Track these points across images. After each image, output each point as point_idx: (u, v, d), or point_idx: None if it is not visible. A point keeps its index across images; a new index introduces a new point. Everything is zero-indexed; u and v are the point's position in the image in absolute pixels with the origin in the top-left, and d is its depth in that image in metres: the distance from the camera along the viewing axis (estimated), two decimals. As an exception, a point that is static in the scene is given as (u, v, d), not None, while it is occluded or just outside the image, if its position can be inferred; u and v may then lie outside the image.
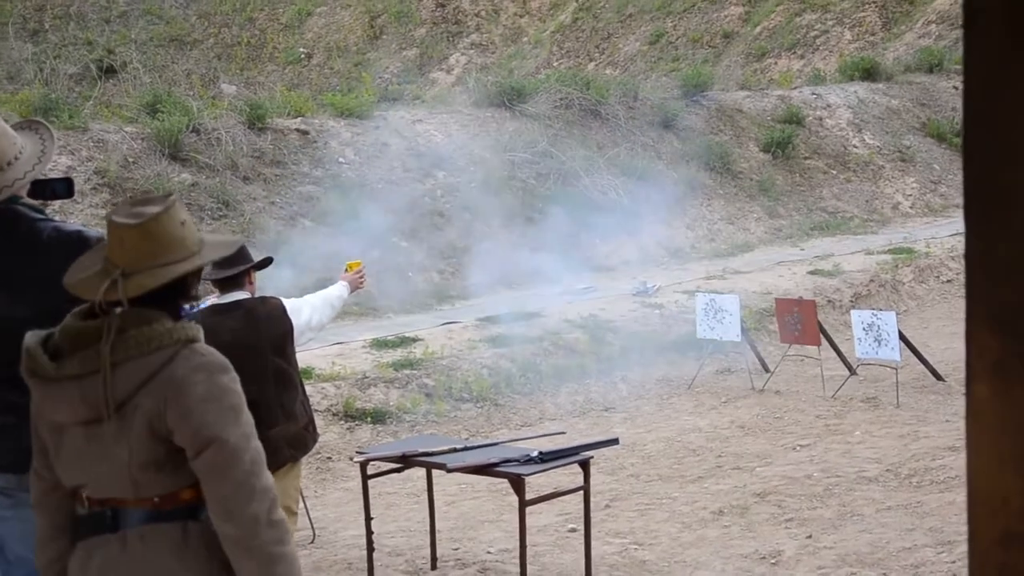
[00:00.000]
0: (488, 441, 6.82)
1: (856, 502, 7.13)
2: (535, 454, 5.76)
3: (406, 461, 6.12)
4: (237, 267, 5.35)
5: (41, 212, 3.66)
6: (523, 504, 5.66)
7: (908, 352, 10.28)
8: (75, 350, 2.54)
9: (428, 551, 6.59)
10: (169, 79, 31.83)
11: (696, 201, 17.05)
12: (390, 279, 13.13)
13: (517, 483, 5.65)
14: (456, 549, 6.93)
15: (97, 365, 2.50)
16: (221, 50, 37.30)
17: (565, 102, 17.51)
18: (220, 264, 5.36)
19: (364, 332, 11.63)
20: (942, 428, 8.69)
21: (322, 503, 8.04)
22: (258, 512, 2.51)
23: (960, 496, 6.89)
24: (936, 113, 21.97)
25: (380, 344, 11.08)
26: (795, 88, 22.48)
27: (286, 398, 5.39)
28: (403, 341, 11.16)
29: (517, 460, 5.77)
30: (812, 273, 14.58)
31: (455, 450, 6.05)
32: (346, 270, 6.04)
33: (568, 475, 7.09)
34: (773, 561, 6.25)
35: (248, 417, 2.61)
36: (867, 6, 30.57)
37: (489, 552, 6.85)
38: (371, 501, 6.44)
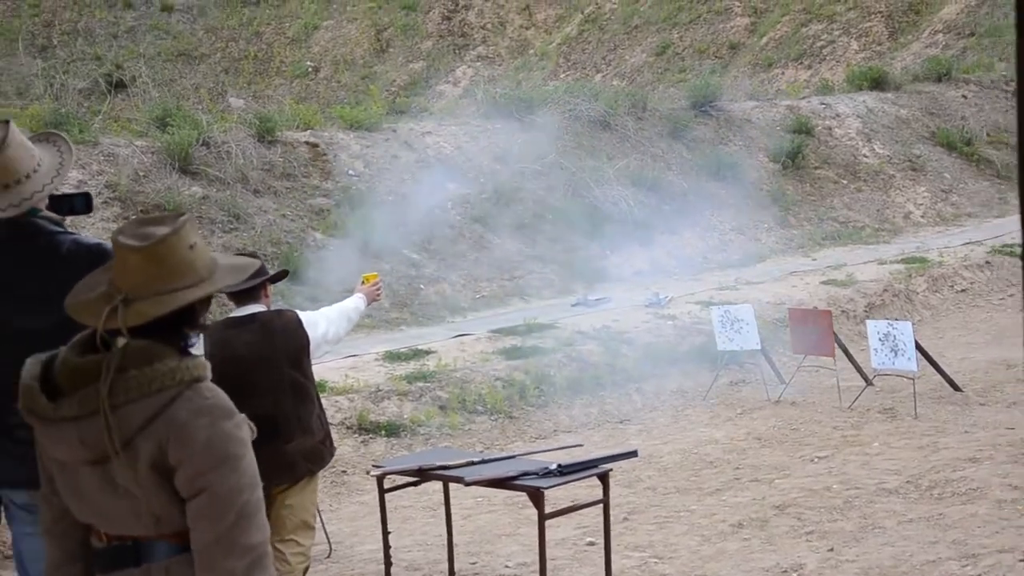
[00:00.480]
0: (505, 454, 6.75)
1: (877, 514, 7.04)
2: (554, 467, 5.69)
3: (423, 475, 6.06)
4: (253, 280, 5.30)
5: (60, 225, 3.63)
6: (543, 518, 5.59)
7: (924, 362, 10.20)
8: (73, 388, 2.40)
9: (446, 565, 6.52)
10: (177, 93, 31.89)
11: (706, 212, 17.00)
12: (401, 291, 13.09)
13: (536, 496, 5.58)
14: (474, 563, 6.87)
15: (96, 406, 2.36)
16: (228, 64, 37.38)
17: (574, 113, 17.49)
18: (236, 276, 5.32)
19: (377, 345, 11.58)
20: (961, 439, 8.61)
21: (337, 517, 7.98)
22: (234, 569, 2.39)
23: (983, 508, 6.81)
24: (945, 122, 21.90)
25: (393, 357, 11.03)
26: (803, 98, 22.45)
27: (303, 412, 5.34)
28: (416, 353, 11.10)
29: (536, 473, 5.70)
30: (825, 283, 14.51)
31: (472, 463, 5.98)
32: (362, 282, 5.99)
33: (585, 488, 7.01)
34: (795, 575, 6.17)
35: (249, 465, 2.47)
36: (873, 16, 30.55)
37: (507, 566, 6.79)
38: (388, 515, 6.39)
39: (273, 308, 5.48)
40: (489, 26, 38.80)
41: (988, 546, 6.15)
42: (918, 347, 9.94)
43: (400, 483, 6.44)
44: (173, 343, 2.47)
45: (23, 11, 36.79)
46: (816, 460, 8.57)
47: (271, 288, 5.53)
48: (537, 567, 5.72)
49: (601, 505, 5.87)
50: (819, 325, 10.52)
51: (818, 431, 9.39)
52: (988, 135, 21.79)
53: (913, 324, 10.65)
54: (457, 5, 38.60)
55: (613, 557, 6.08)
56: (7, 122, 3.50)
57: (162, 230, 2.42)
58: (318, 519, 7.08)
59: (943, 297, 14.83)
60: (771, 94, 24.41)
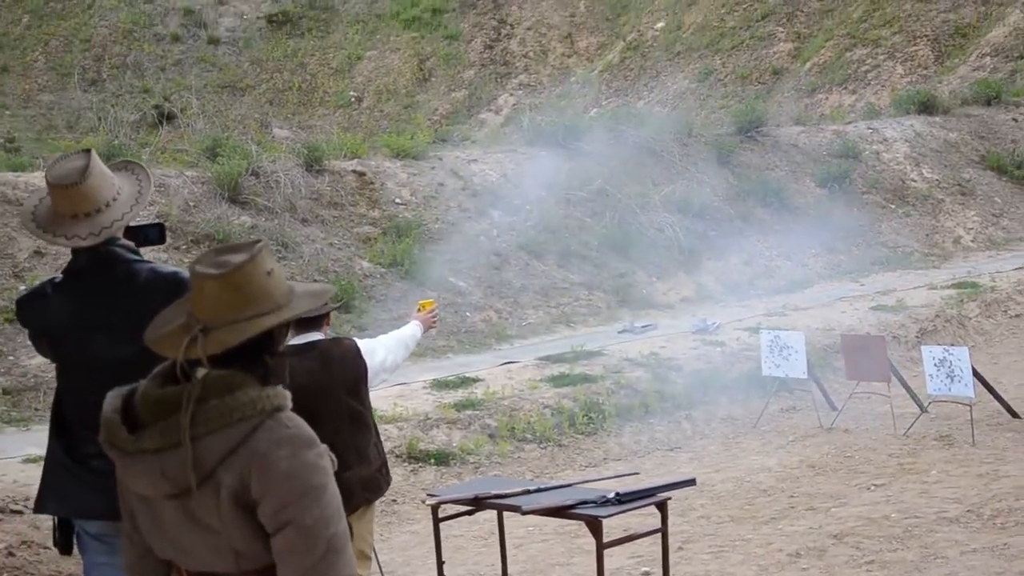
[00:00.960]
0: (561, 482, 6.70)
1: (938, 544, 6.90)
2: (612, 495, 5.62)
3: (479, 503, 6.01)
4: (317, 309, 5.31)
5: (137, 253, 3.65)
6: (601, 547, 5.53)
7: (980, 388, 10.03)
8: (154, 420, 2.37)
9: (500, 595, 6.46)
10: (224, 124, 32.26)
11: (753, 237, 16.90)
12: (448, 319, 13.09)
13: (594, 525, 5.51)
14: (527, 593, 6.81)
15: (177, 438, 2.33)
16: (273, 95, 37.77)
17: (619, 140, 17.47)
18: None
19: (424, 373, 11.58)
20: (1022, 467, 8.44)
21: (389, 547, 7.94)
22: None
23: (1049, 537, 6.66)
24: (995, 146, 21.66)
25: (441, 385, 11.02)
26: (850, 123, 22.30)
27: (360, 440, 5.31)
28: (463, 381, 11.09)
29: (594, 502, 5.63)
30: (875, 309, 14.36)
31: (529, 492, 5.93)
32: (418, 310, 5.96)
33: (639, 517, 6.94)
34: (857, 605, 6.06)
35: (333, 497, 2.43)
36: (919, 40, 30.33)
37: (562, 596, 6.72)
38: (441, 544, 6.34)
39: (330, 336, 5.48)
40: (531, 54, 38.94)
41: (1055, 577, 6.02)
42: (974, 373, 9.78)
43: (453, 512, 6.39)
44: (254, 372, 2.44)
45: (74, 46, 37.41)
46: (873, 488, 8.43)
47: (331, 317, 5.53)
48: (592, 597, 5.65)
49: (659, 535, 5.80)
50: (873, 351, 10.40)
51: (873, 459, 9.25)
52: (1039, 158, 21.55)
53: (969, 349, 10.49)
54: (499, 34, 38.79)
55: (670, 587, 5.99)
56: (88, 151, 3.54)
57: (239, 258, 2.40)
58: (373, 549, 7.07)
59: (996, 322, 14.62)
60: (815, 119, 24.27)
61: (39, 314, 3.59)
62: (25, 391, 10.07)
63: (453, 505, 6.28)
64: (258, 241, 2.50)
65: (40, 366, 9.92)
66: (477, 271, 14.22)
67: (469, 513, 6.42)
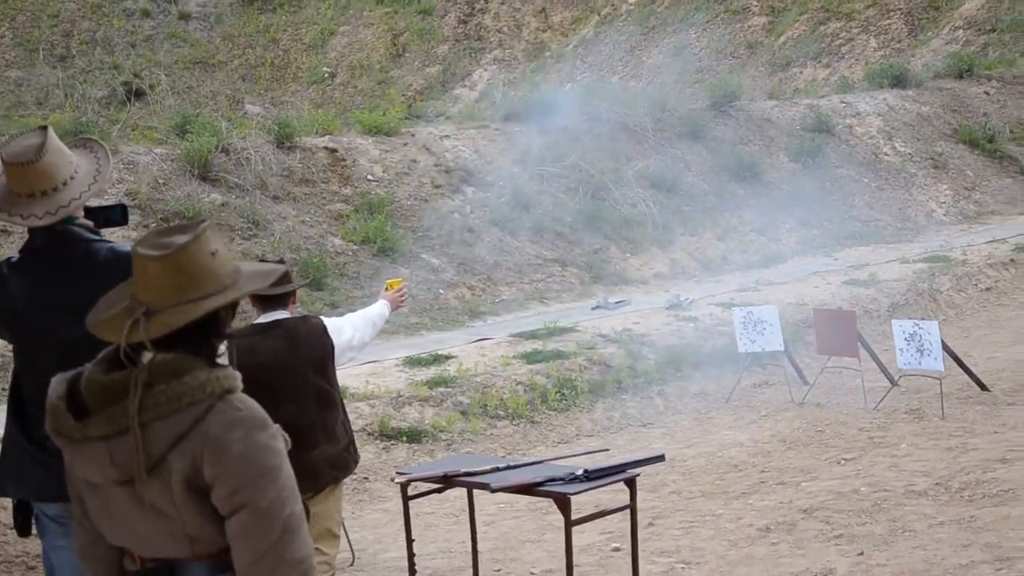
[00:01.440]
0: (530, 459, 6.68)
1: (907, 517, 6.94)
2: (581, 472, 5.61)
3: (448, 481, 5.99)
4: (281, 287, 5.27)
5: (96, 233, 3.60)
6: (569, 524, 5.51)
7: (950, 362, 10.09)
8: (101, 407, 2.33)
9: (470, 572, 6.45)
10: (195, 101, 31.98)
11: (727, 212, 16.90)
12: (421, 296, 13.05)
13: (563, 503, 5.50)
14: (498, 570, 6.81)
15: (125, 424, 2.28)
16: (245, 71, 37.44)
17: (593, 115, 17.41)
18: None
19: (397, 350, 11.55)
20: (991, 440, 8.50)
21: (360, 524, 7.93)
22: None
23: (1016, 510, 6.71)
24: (968, 119, 21.74)
25: (413, 362, 10.99)
26: (823, 96, 22.32)
27: (327, 419, 5.29)
28: (436, 358, 11.07)
29: (562, 479, 5.61)
30: (847, 283, 14.40)
31: (498, 469, 5.91)
32: (386, 288, 5.93)
33: (610, 493, 6.93)
34: (825, 579, 6.09)
35: (288, 478, 2.39)
36: (892, 13, 30.37)
37: (532, 573, 6.73)
38: (411, 522, 6.32)
39: (297, 314, 5.44)
40: (505, 29, 38.76)
41: (1023, 549, 6.06)
42: (944, 347, 9.83)
43: (424, 490, 6.38)
44: (201, 354, 2.40)
45: (42, 21, 36.97)
46: (843, 462, 8.47)
47: (298, 295, 5.49)
48: (563, 574, 5.65)
49: (628, 511, 5.80)
50: (843, 325, 10.43)
51: (844, 433, 9.29)
52: (1011, 131, 21.63)
53: (939, 323, 10.54)
54: (473, 9, 38.58)
55: (640, 563, 6.01)
56: (45, 128, 3.48)
57: (182, 238, 2.36)
58: (342, 527, 7.05)
59: (968, 296, 14.70)
60: (789, 93, 24.28)
61: None
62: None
63: (424, 483, 6.27)
64: (203, 221, 2.45)
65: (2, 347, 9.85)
66: (450, 248, 14.17)
67: (439, 491, 6.41)
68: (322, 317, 5.49)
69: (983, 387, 10.17)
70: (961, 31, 28.06)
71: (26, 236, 3.56)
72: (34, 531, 3.71)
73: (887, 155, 20.23)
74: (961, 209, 19.39)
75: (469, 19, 38.39)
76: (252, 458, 2.32)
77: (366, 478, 8.83)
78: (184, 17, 37.89)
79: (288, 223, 13.37)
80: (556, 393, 10.46)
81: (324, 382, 5.29)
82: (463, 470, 5.96)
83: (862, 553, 6.39)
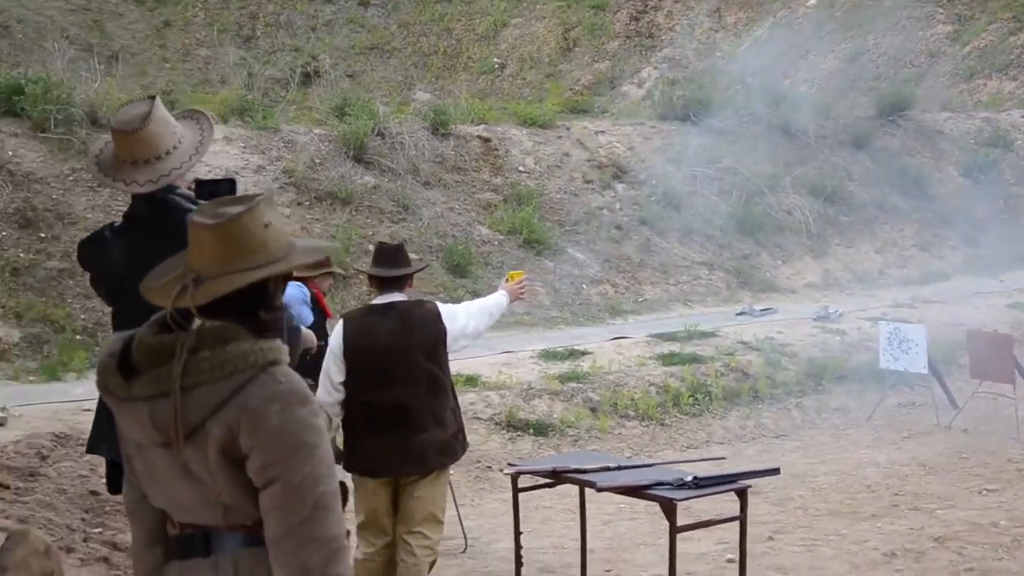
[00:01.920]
0: (643, 462, 6.57)
1: (1047, 557, 6.55)
2: (690, 479, 5.47)
3: (557, 477, 5.93)
4: (401, 268, 5.30)
5: (195, 203, 3.66)
6: (674, 530, 5.38)
7: (1115, 397, 9.48)
8: (147, 368, 2.34)
9: (578, 571, 6.38)
10: (366, 85, 32.69)
11: (887, 225, 16.32)
12: (563, 290, 13.01)
13: (668, 508, 5.37)
14: (608, 571, 6.71)
15: (168, 387, 2.29)
16: (418, 59, 38.06)
17: (753, 118, 17.04)
18: (383, 264, 5.33)
19: (534, 342, 11.55)
20: None
21: (478, 513, 7.94)
22: (309, 563, 2.29)
23: None
24: None
25: (549, 355, 10.96)
26: (1004, 111, 21.27)
27: (436, 404, 5.28)
28: (572, 353, 11.01)
29: (670, 484, 5.48)
30: (1012, 307, 13.71)
31: (608, 469, 5.81)
32: (507, 280, 5.90)
33: (729, 502, 6.77)
34: (946, 613, 5.79)
35: (325, 454, 2.35)
36: (1091, 26, 28.74)
37: (642, 576, 6.61)
38: (528, 515, 6.30)
39: (414, 299, 5.46)
40: (677, 28, 38.31)
41: None
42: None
43: (535, 483, 6.33)
44: (249, 325, 2.38)
45: (232, 3, 38.39)
46: (985, 493, 8.06)
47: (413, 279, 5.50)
48: (670, 580, 5.51)
49: (738, 522, 5.62)
50: (999, 350, 9.92)
51: (990, 462, 8.84)
52: None
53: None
54: (646, 6, 38.25)
55: (752, 577, 5.83)
56: (153, 98, 3.56)
57: (236, 209, 2.36)
58: (455, 513, 7.07)
59: None
60: (969, 106, 23.23)
61: (96, 257, 3.64)
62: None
63: (535, 477, 6.22)
64: (259, 194, 2.45)
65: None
66: (597, 244, 14.08)
67: (550, 486, 6.35)
68: (437, 303, 5.49)
69: None
70: None
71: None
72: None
73: (1070, 175, 19.17)
74: None
75: (641, 16, 38.09)
76: (288, 432, 2.30)
77: (489, 467, 8.84)
78: (363, 3, 38.78)
79: (437, 209, 13.51)
80: (689, 397, 10.27)
81: (435, 367, 5.28)
82: (572, 467, 5.89)
83: (991, 590, 6.06)
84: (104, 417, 3.63)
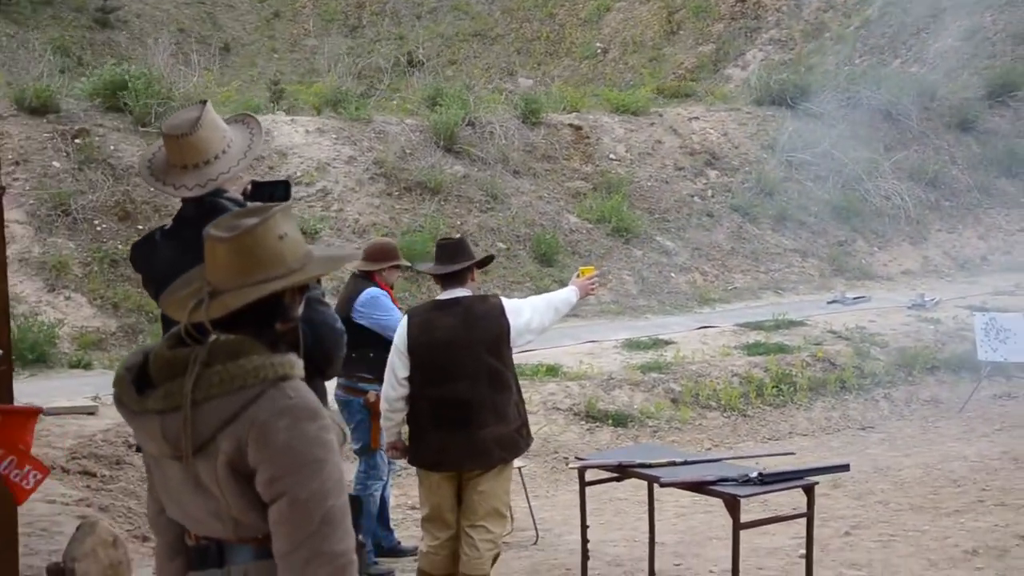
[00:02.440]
0: (710, 456, 6.54)
1: None
2: (755, 475, 5.43)
3: (623, 471, 5.94)
4: (460, 263, 5.34)
5: (243, 207, 3.75)
6: (737, 526, 5.36)
7: None
8: (161, 382, 2.36)
9: (647, 564, 6.38)
10: (468, 72, 32.84)
11: (992, 210, 15.83)
12: (651, 279, 12.95)
13: (732, 504, 5.34)
14: (678, 565, 6.69)
15: (179, 401, 2.30)
16: (521, 45, 38.05)
17: (852, 101, 16.67)
18: (443, 259, 5.38)
19: (619, 331, 11.53)
20: None
21: (551, 504, 7.98)
22: None
23: None
24: None
25: (632, 345, 10.94)
26: None
27: (499, 399, 5.30)
28: (655, 343, 10.97)
29: (735, 480, 5.45)
30: (1122, 296, 13.21)
31: (674, 463, 5.80)
32: (578, 275, 5.88)
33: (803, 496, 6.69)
34: (1024, 616, 5.65)
35: (333, 470, 2.35)
36: None
37: (711, 571, 6.57)
38: (601, 507, 6.30)
39: (479, 293, 5.50)
40: (784, 8, 37.54)
41: None
42: None
43: (603, 477, 6.35)
44: (265, 337, 2.39)
45: (338, -8, 38.93)
46: (1078, 489, 7.81)
47: (476, 273, 5.53)
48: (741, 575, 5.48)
49: (805, 519, 5.56)
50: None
51: (1087, 456, 8.56)
52: None
53: None
54: (752, -14, 37.60)
55: (826, 573, 5.78)
56: (204, 103, 3.64)
57: (250, 221, 2.37)
58: (526, 505, 7.13)
59: None
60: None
61: (146, 260, 3.75)
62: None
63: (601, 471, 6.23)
64: (274, 205, 2.47)
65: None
66: (686, 232, 13.97)
67: (617, 479, 6.37)
68: (502, 298, 5.51)
69: None
70: None
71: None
72: None
73: None
74: None
75: (748, -4, 37.46)
76: (296, 447, 2.30)
77: (565, 458, 8.87)
78: (467, -10, 38.95)
79: (525, 198, 13.56)
80: (773, 388, 10.16)
81: (497, 362, 5.29)
82: (638, 461, 5.90)
83: (1073, 592, 5.89)
84: None
